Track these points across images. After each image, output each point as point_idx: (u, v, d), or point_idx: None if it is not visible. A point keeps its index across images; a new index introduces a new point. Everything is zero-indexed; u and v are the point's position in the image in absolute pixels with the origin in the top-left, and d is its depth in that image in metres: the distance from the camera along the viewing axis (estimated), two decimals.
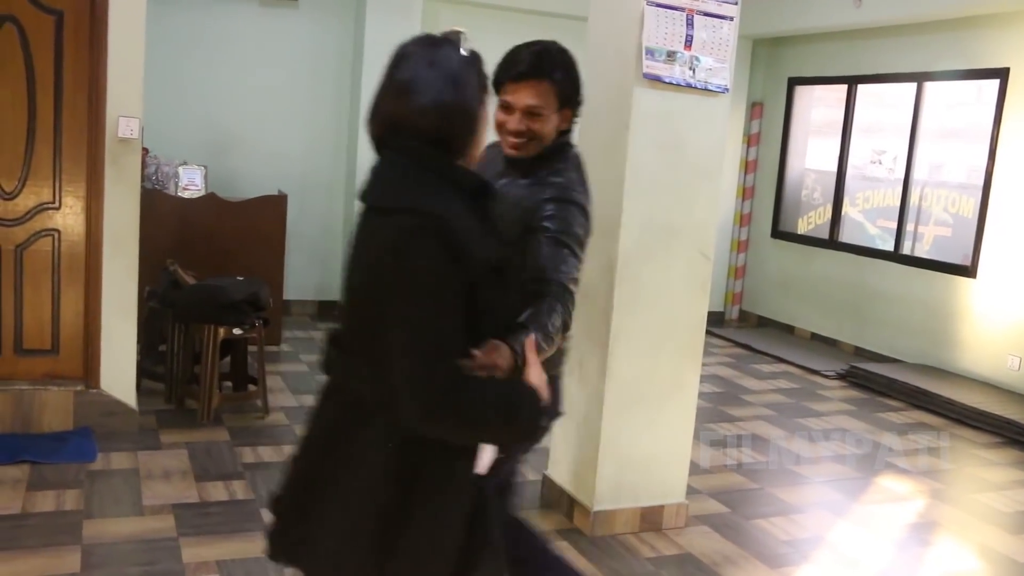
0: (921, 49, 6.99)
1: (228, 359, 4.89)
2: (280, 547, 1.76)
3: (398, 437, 1.57)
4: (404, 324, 1.52)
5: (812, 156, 8.38)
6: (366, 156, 2.36)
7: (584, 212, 2.22)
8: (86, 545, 3.22)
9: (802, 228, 8.30)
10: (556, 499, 3.89)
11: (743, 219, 8.68)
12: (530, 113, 2.22)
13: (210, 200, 5.88)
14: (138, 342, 4.47)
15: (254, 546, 3.28)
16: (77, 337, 4.30)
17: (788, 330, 8.15)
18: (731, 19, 3.55)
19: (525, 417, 1.61)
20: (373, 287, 1.59)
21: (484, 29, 2.84)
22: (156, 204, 5.43)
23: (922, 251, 7.20)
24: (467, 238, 1.55)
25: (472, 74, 1.66)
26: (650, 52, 3.41)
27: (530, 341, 1.71)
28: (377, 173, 1.65)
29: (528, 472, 3.88)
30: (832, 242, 7.84)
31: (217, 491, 3.79)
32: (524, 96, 2.21)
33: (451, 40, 1.66)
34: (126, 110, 4.11)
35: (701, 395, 4.82)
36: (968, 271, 6.58)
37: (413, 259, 1.52)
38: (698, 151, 3.61)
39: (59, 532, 3.30)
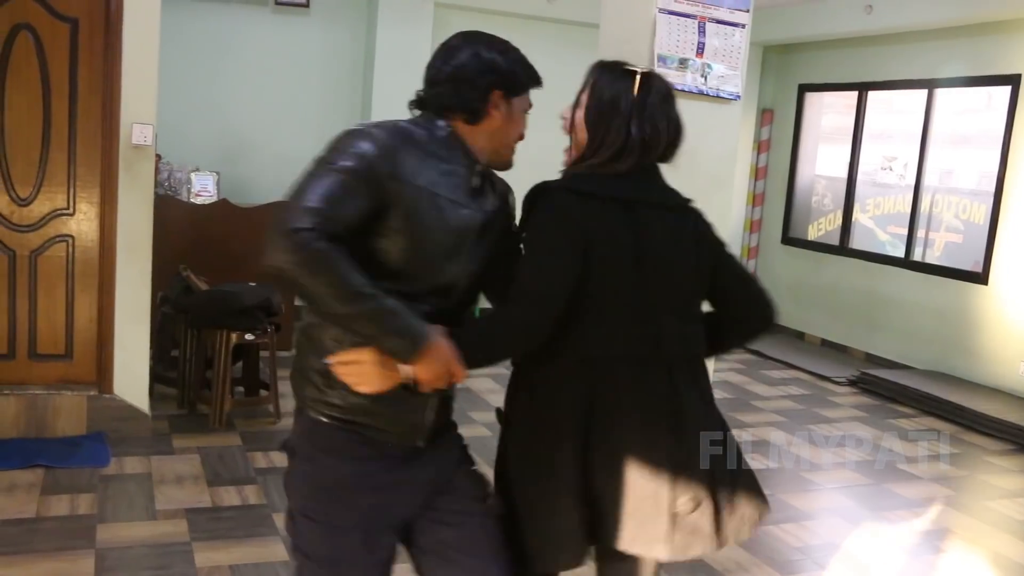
0: (931, 56, 6.98)
1: (240, 364, 4.91)
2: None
3: None
4: None
5: (822, 162, 8.37)
6: None
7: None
8: (100, 549, 3.23)
9: (812, 234, 8.28)
10: None
11: (753, 225, 8.67)
12: None
13: (222, 206, 5.91)
14: (151, 347, 4.50)
15: (267, 551, 3.30)
16: (91, 342, 4.32)
17: (798, 336, 8.13)
18: (743, 26, 3.56)
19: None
20: None
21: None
22: (169, 210, 5.46)
23: (933, 257, 7.18)
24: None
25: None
26: (662, 59, 3.43)
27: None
28: None
29: None
30: (842, 248, 7.83)
31: (229, 496, 3.80)
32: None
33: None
34: (140, 117, 4.14)
35: None
36: (979, 278, 6.56)
37: None
38: (710, 158, 3.61)
39: (73, 536, 3.32)
